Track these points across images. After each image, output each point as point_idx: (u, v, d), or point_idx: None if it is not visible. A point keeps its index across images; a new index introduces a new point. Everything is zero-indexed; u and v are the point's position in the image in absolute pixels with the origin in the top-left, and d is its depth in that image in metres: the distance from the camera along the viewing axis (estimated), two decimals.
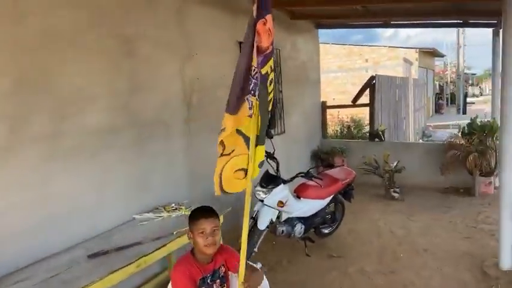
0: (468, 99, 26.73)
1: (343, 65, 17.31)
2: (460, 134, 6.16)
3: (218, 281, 2.10)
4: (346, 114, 11.14)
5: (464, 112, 22.98)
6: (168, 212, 3.47)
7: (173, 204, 3.62)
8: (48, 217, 2.74)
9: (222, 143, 1.95)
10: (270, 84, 2.00)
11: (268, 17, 1.93)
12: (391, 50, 17.39)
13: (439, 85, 29.20)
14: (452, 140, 6.21)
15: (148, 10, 3.64)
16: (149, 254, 2.66)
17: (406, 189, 6.31)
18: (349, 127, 9.85)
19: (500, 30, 5.91)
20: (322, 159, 7.05)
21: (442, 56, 24.86)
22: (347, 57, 17.40)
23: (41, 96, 2.71)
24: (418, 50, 17.71)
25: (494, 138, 5.80)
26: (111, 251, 2.69)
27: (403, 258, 4.12)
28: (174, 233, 2.96)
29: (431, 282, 3.56)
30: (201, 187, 4.29)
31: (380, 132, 7.02)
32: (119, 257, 2.61)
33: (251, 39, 1.87)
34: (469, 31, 25.75)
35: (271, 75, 2.00)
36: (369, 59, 17.32)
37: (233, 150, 1.97)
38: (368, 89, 7.52)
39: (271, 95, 2.05)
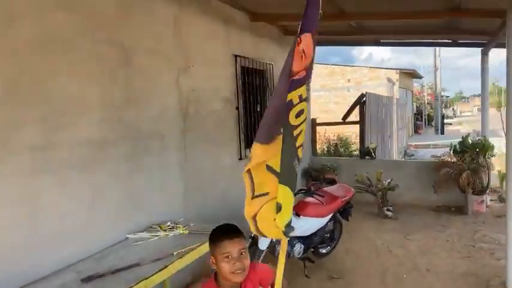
0: (445, 120, 27.50)
1: (326, 84, 17.54)
2: (452, 152, 6.18)
3: None
4: (332, 133, 11.16)
5: (442, 132, 23.59)
6: (165, 231, 3.23)
7: (169, 223, 3.40)
8: (37, 236, 2.49)
9: (249, 172, 1.70)
10: (298, 117, 1.63)
11: (305, 36, 1.61)
12: (372, 71, 17.76)
13: (416, 106, 29.96)
14: (444, 158, 6.22)
15: (145, 18, 3.49)
16: (150, 277, 2.43)
17: (399, 207, 6.25)
18: (336, 145, 9.83)
19: (491, 50, 6.07)
20: (313, 177, 6.94)
21: (420, 77, 25.58)
22: (329, 77, 17.66)
23: (31, 105, 2.49)
24: (398, 71, 18.14)
25: (486, 157, 5.84)
26: (107, 274, 2.45)
27: (406, 279, 3.98)
28: (174, 253, 2.74)
29: None
30: (197, 203, 4.09)
31: (371, 150, 6.98)
32: (116, 281, 2.37)
33: (289, 62, 1.62)
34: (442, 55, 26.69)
35: (301, 106, 1.63)
36: (351, 79, 17.65)
37: (268, 193, 1.70)
38: (358, 107, 7.51)
39: (300, 129, 1.66)
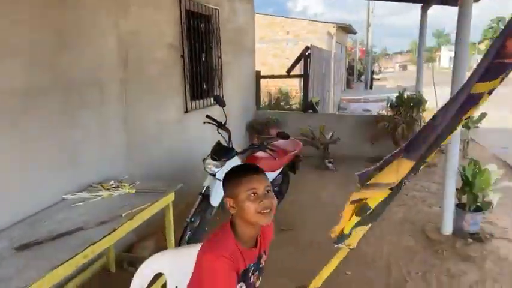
0: (374, 76, 28.86)
1: (265, 36, 17.15)
2: (388, 107, 6.44)
3: (257, 273, 1.61)
4: (273, 86, 11.09)
5: (371, 88, 24.79)
6: (108, 190, 2.95)
7: (112, 181, 3.11)
8: None
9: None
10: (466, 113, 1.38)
11: None
12: (311, 24, 17.72)
13: (348, 62, 30.95)
14: (382, 111, 6.47)
15: None
16: (97, 241, 2.19)
17: (338, 159, 6.48)
18: (278, 98, 9.80)
19: (430, 7, 6.22)
20: (258, 130, 6.88)
21: (354, 33, 26.11)
22: (268, 28, 17.26)
23: None
24: (335, 25, 18.29)
25: (421, 111, 6.18)
26: (46, 241, 2.16)
27: None
28: (123, 215, 2.51)
29: (381, 251, 3.65)
30: (142, 160, 3.80)
31: (314, 104, 7.04)
32: (57, 248, 2.10)
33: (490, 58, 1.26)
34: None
35: (481, 102, 1.36)
36: (290, 32, 17.46)
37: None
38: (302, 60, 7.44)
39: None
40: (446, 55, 50.80)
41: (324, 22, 18.15)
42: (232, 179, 1.50)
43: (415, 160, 1.46)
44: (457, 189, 3.80)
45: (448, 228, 3.73)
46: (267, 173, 4.23)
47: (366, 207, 1.56)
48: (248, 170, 1.50)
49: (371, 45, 29.23)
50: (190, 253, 1.67)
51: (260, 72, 7.58)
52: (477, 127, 6.56)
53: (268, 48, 16.82)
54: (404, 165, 1.46)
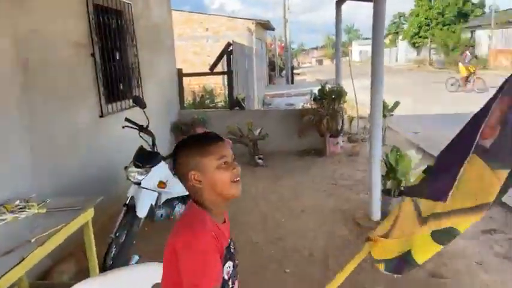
0: (294, 71, 29.78)
1: (183, 33, 16.77)
2: (312, 100, 6.58)
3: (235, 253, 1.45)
4: (196, 84, 10.81)
5: (292, 82, 25.51)
6: (13, 212, 2.54)
7: (18, 201, 2.69)
8: None
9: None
10: None
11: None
12: (230, 20, 17.70)
13: (269, 57, 31.57)
14: (306, 105, 6.60)
15: None
16: (3, 275, 1.84)
17: (267, 154, 6.48)
18: (202, 97, 9.57)
19: (344, 3, 6.47)
20: (184, 131, 6.61)
21: (273, 29, 26.69)
22: (186, 25, 16.92)
23: None
24: (254, 22, 18.46)
25: (342, 103, 6.42)
26: None
27: (285, 223, 4.15)
28: (32, 240, 2.15)
29: (318, 243, 3.67)
30: (53, 174, 3.37)
31: (240, 101, 6.95)
32: None
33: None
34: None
35: None
36: (209, 28, 17.28)
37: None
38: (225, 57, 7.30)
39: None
40: (356, 49, 54.33)
41: (244, 18, 18.22)
42: (196, 149, 1.29)
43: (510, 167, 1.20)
44: (382, 176, 3.97)
45: (376, 214, 3.88)
46: None
47: (454, 232, 1.30)
48: (212, 137, 1.32)
49: (289, 41, 30.09)
50: (121, 278, 1.45)
51: (182, 70, 7.30)
52: (392, 115, 7.00)
53: (187, 46, 16.45)
54: (499, 176, 1.20)
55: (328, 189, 5.15)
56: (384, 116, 6.68)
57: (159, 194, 3.45)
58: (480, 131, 1.21)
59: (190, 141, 1.32)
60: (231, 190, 1.29)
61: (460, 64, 15.33)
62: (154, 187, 3.31)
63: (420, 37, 35.89)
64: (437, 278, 3.05)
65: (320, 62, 60.77)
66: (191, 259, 1.17)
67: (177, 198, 3.71)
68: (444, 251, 3.15)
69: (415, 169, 3.95)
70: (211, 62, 8.42)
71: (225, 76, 8.53)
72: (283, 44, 30.86)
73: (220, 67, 8.59)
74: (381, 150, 3.91)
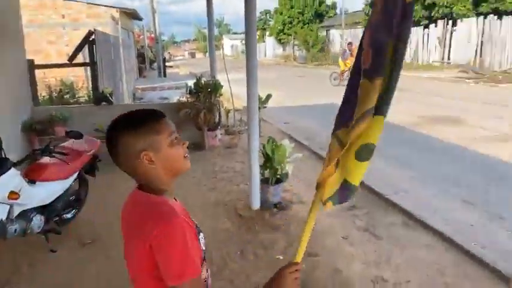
0: (166, 64, 28.90)
1: (35, 19, 14.78)
2: (188, 93, 6.42)
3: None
4: (53, 77, 9.56)
5: (165, 75, 24.75)
6: None
7: None
8: None
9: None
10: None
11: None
12: (91, 7, 16.17)
13: (137, 49, 29.98)
14: (182, 99, 6.41)
15: None
16: None
17: None
18: (60, 91, 8.50)
19: None
20: (39, 131, 5.76)
21: (140, 19, 25.33)
22: (38, 11, 14.96)
23: None
24: (119, 10, 17.23)
25: (218, 96, 6.41)
26: None
27: None
28: None
29: (206, 241, 3.56)
30: None
31: (108, 95, 6.36)
32: None
33: None
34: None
35: None
36: (65, 15, 15.54)
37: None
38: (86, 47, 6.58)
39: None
40: (227, 43, 55.63)
41: (106, 6, 16.84)
42: (145, 128, 1.17)
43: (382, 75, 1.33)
44: (260, 166, 4.07)
45: (256, 203, 3.97)
46: (58, 182, 3.58)
47: (370, 146, 1.35)
48: (155, 115, 1.21)
49: (159, 32, 29.07)
50: None
51: (34, 61, 6.32)
52: (265, 107, 7.30)
53: (41, 34, 14.52)
54: (375, 85, 1.33)
55: (209, 183, 5.09)
56: (259, 108, 6.95)
57: (11, 206, 2.90)
58: (361, 58, 1.41)
59: (134, 121, 1.19)
60: (185, 165, 1.27)
61: (340, 59, 16.65)
62: (3, 199, 2.76)
63: (285, 34, 38.56)
64: (312, 257, 3.26)
65: (193, 55, 60.53)
66: (173, 247, 1.09)
67: (35, 209, 3.18)
68: (316, 230, 3.39)
69: (289, 157, 4.17)
70: (71, 52, 7.52)
71: (88, 68, 7.72)
72: (152, 35, 29.78)
73: (82, 58, 7.74)
74: (259, 142, 4.00)
